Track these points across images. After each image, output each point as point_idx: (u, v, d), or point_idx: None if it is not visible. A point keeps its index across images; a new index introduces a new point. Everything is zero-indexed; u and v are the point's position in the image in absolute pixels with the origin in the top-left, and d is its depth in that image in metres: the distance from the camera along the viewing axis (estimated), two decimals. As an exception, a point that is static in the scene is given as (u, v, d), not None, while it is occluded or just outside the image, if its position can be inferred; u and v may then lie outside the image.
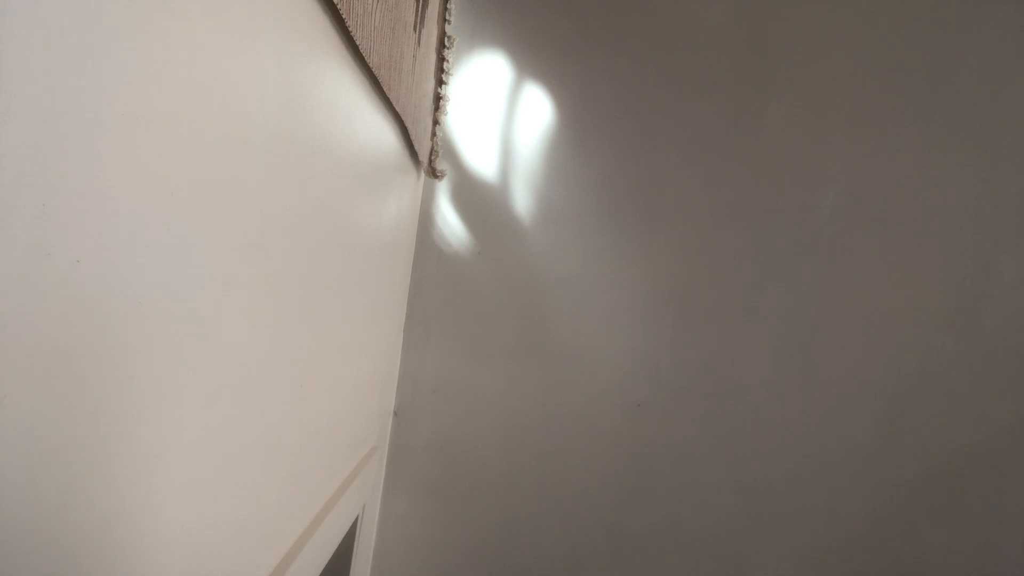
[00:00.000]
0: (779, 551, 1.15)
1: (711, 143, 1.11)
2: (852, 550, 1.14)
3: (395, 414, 1.14)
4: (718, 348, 1.13)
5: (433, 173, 1.10)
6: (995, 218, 1.11)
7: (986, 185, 1.11)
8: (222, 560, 0.44)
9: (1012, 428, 1.12)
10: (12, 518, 0.24)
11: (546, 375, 1.13)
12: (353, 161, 0.62)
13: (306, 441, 0.61)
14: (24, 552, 0.25)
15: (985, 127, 1.10)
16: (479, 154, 1.12)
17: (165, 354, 0.32)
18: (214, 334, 0.37)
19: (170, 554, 0.36)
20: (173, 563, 0.37)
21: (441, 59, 1.06)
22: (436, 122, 1.08)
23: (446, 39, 1.06)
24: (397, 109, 0.72)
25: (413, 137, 0.86)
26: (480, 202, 1.13)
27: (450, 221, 1.13)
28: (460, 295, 1.13)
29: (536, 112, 1.12)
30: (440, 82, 1.07)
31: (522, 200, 1.12)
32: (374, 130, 0.69)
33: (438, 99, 1.07)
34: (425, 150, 1.02)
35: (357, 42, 0.52)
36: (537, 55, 1.11)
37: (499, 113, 1.12)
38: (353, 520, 0.90)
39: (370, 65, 0.57)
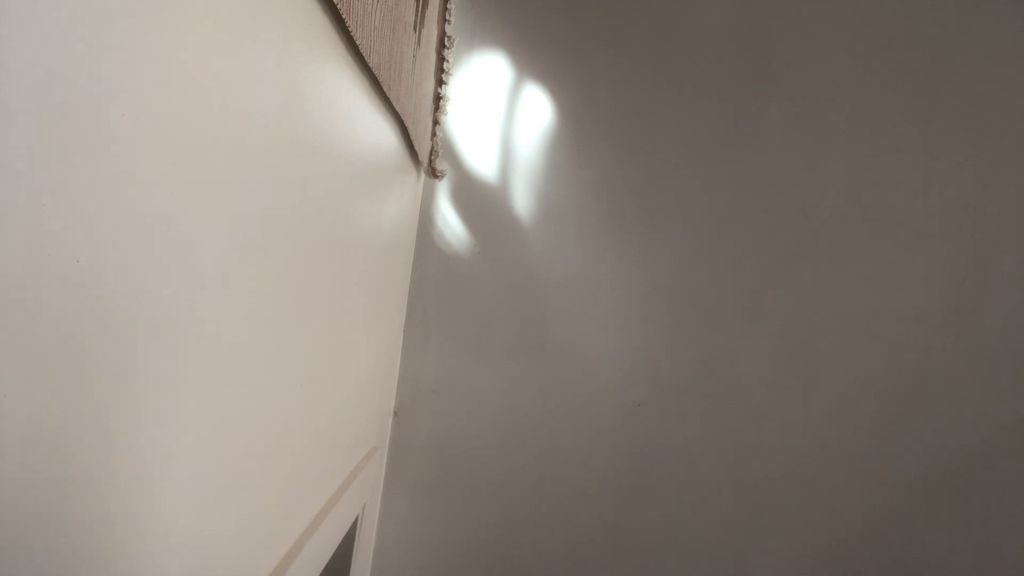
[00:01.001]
0: (779, 551, 1.15)
1: (711, 143, 1.11)
2: (852, 550, 1.14)
3: (395, 414, 1.14)
4: (718, 348, 1.13)
5: (433, 173, 1.10)
6: (995, 218, 1.11)
7: (986, 185, 1.11)
8: (222, 560, 0.44)
9: (1012, 428, 1.12)
10: (12, 518, 0.24)
11: (546, 375, 1.13)
12: (353, 161, 0.62)
13: (306, 441, 0.61)
14: (25, 551, 0.25)
15: (985, 127, 1.10)
16: (479, 154, 1.12)
17: (165, 354, 0.32)
18: (214, 334, 0.37)
19: (170, 554, 0.36)
20: (173, 563, 0.37)
21: (441, 59, 1.06)
22: (436, 122, 1.08)
23: (446, 39, 1.06)
24: (397, 109, 0.72)
25: (413, 137, 0.86)
26: (480, 202, 1.13)
27: (450, 221, 1.13)
28: (460, 295, 1.13)
29: (536, 112, 1.12)
30: (440, 82, 1.07)
31: (522, 200, 1.12)
32: (374, 130, 0.69)
33: (438, 99, 1.07)
34: (425, 150, 1.02)
35: (357, 42, 0.52)
36: (537, 55, 1.11)
37: (499, 113, 1.12)
38: (353, 520, 0.90)
39: (370, 65, 0.57)
